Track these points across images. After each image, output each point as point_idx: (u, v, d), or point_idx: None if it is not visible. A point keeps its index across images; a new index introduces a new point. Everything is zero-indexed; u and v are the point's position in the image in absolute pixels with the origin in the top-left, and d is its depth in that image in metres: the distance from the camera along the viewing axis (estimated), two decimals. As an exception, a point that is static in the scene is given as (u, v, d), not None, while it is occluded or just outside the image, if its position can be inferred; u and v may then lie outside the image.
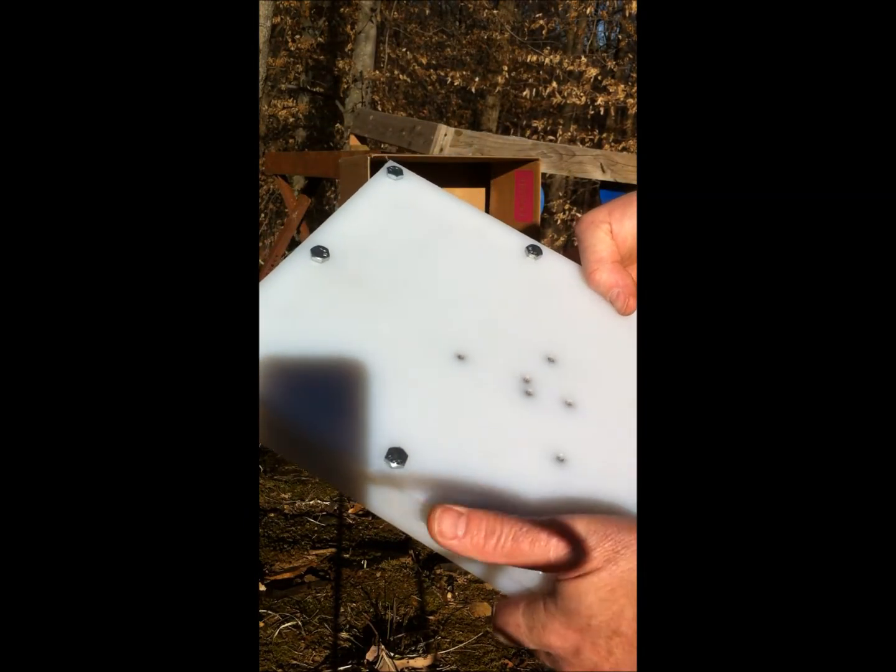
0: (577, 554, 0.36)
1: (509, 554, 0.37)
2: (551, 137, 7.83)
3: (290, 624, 1.76)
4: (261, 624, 1.75)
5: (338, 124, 8.15)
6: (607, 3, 9.23)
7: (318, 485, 2.55)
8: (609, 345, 0.50)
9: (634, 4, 7.61)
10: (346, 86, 7.73)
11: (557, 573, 0.38)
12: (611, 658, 0.37)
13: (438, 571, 2.03)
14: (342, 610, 1.84)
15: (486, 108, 9.21)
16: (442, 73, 8.28)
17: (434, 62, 8.91)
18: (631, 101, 7.37)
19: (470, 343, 0.46)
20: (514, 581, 0.41)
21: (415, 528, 0.41)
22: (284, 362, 0.42)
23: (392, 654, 1.67)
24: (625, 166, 3.00)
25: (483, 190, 2.73)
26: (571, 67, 7.57)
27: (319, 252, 0.47)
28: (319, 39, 8.69)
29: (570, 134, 7.93)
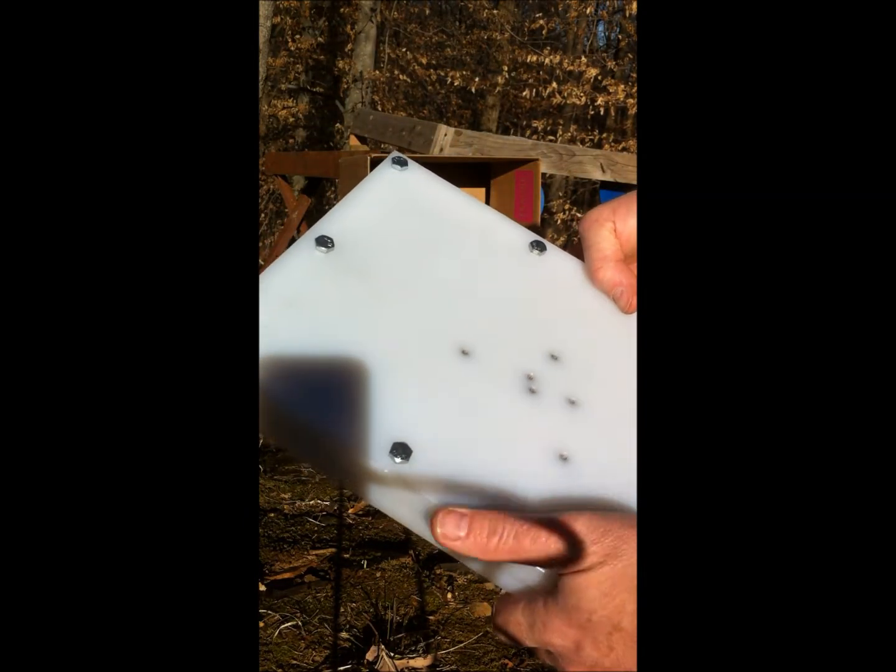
0: (578, 549, 0.37)
1: (511, 552, 0.38)
2: (551, 137, 7.83)
3: (290, 624, 1.76)
4: (261, 624, 1.75)
5: (338, 124, 8.15)
6: (607, 3, 9.23)
7: (318, 485, 2.55)
8: (612, 343, 0.50)
9: (634, 4, 7.61)
10: (346, 86, 7.74)
11: (559, 569, 0.38)
12: (612, 654, 0.37)
13: (438, 571, 2.03)
14: (342, 610, 1.84)
15: (486, 108, 9.21)
16: (442, 73, 8.29)
17: (434, 62, 8.91)
18: (631, 101, 7.37)
19: (474, 338, 0.46)
20: (515, 579, 0.41)
21: (417, 524, 0.41)
22: (287, 353, 0.42)
23: (392, 654, 1.67)
24: (625, 166, 3.00)
25: (483, 190, 2.73)
26: (571, 67, 7.57)
27: (324, 242, 0.47)
28: (319, 39, 8.69)
29: (570, 134, 7.93)
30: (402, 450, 0.40)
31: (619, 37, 9.73)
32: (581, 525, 0.37)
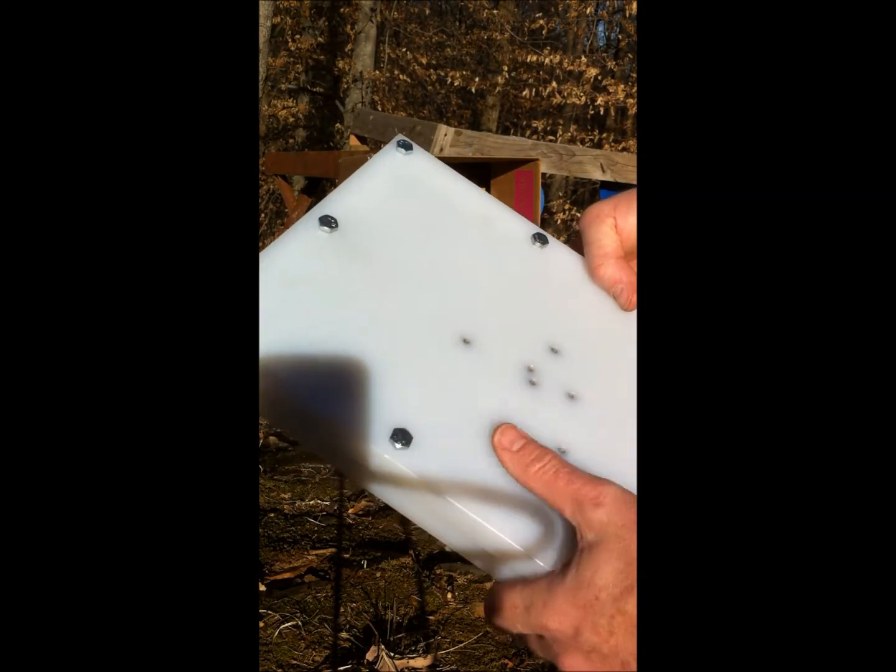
0: (602, 513, 0.38)
1: (546, 483, 0.40)
2: (551, 137, 7.84)
3: (290, 624, 1.76)
4: (261, 624, 1.75)
5: (338, 124, 8.15)
6: (607, 3, 9.24)
7: (318, 485, 2.55)
8: (612, 339, 0.50)
9: (634, 4, 7.61)
10: (346, 86, 7.74)
11: (579, 523, 0.38)
12: (611, 640, 0.37)
13: (438, 571, 2.03)
14: (342, 610, 1.84)
15: (486, 108, 9.22)
16: (442, 73, 8.29)
17: (434, 62, 8.92)
18: (631, 101, 7.37)
19: (476, 327, 0.46)
20: (514, 572, 0.41)
21: (416, 513, 0.41)
22: (288, 334, 0.41)
23: (392, 654, 1.67)
24: (625, 166, 3.01)
25: (483, 190, 2.72)
26: (571, 67, 7.57)
27: (328, 222, 0.46)
28: (319, 39, 8.69)
29: (570, 134, 7.93)
30: (402, 436, 0.40)
31: (619, 37, 9.73)
32: (613, 491, 0.39)
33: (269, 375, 0.40)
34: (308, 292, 0.43)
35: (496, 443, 0.41)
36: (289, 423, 0.44)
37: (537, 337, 0.47)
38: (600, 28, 10.58)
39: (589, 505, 0.38)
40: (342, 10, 8.59)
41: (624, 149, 7.63)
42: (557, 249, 0.52)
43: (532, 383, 0.45)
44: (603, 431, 0.45)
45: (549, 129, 8.21)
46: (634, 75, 7.93)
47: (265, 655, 1.65)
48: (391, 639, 1.73)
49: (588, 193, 8.90)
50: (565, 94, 7.63)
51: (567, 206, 7.88)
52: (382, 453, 0.40)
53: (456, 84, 7.90)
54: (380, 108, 7.67)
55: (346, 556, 2.09)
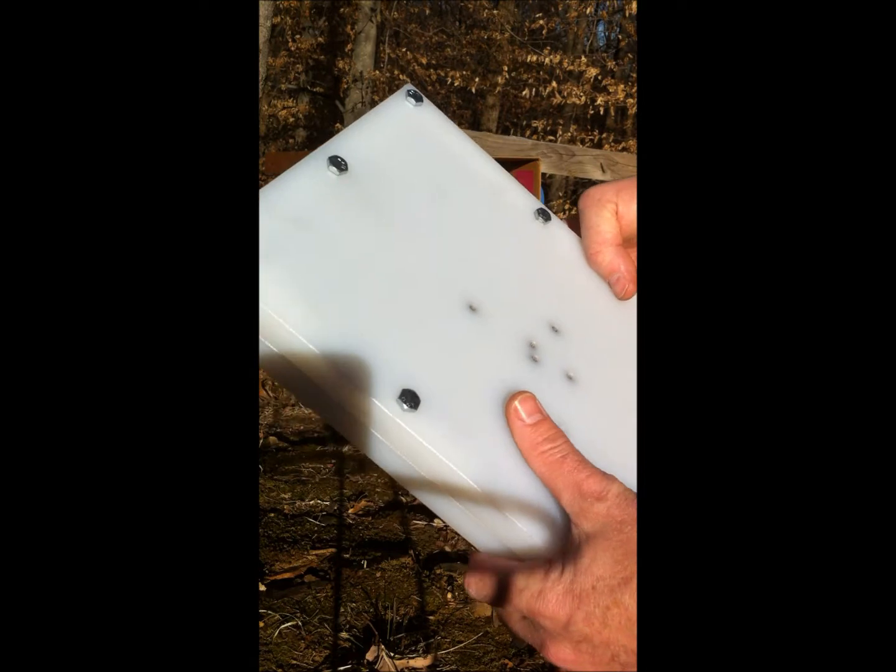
0: (603, 506, 0.38)
1: (551, 465, 0.40)
2: (551, 137, 7.84)
3: (290, 624, 1.76)
4: (261, 624, 1.75)
5: (338, 124, 8.16)
6: (607, 3, 9.23)
7: (318, 485, 2.55)
8: (610, 324, 0.50)
9: (634, 4, 7.60)
10: (346, 86, 7.74)
11: (576, 523, 0.39)
12: (604, 631, 0.36)
13: (438, 571, 2.03)
14: (342, 610, 1.84)
15: (486, 108, 9.22)
16: (442, 73, 8.29)
17: (434, 62, 8.92)
18: (631, 101, 7.37)
19: (481, 295, 0.45)
20: (496, 536, 0.41)
21: (417, 480, 0.41)
22: (291, 279, 0.39)
23: (392, 654, 1.67)
24: (625, 166, 3.01)
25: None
26: (571, 67, 7.56)
27: (337, 163, 0.44)
28: (319, 39, 8.69)
29: (570, 134, 7.93)
30: (410, 397, 0.39)
31: (619, 37, 9.73)
32: (617, 487, 0.39)
33: (273, 325, 0.38)
34: (313, 235, 0.41)
35: (512, 410, 0.41)
36: (286, 378, 0.42)
37: (539, 313, 0.47)
38: (600, 28, 10.59)
39: (591, 498, 0.38)
40: (342, 10, 8.59)
41: (624, 149, 7.63)
42: (559, 228, 0.52)
43: (534, 359, 0.45)
44: (600, 417, 0.45)
45: (549, 129, 8.21)
46: (634, 75, 7.93)
47: (265, 655, 1.65)
48: (391, 639, 1.73)
49: (588, 193, 8.87)
50: (565, 94, 7.63)
51: (567, 206, 7.88)
52: (392, 415, 0.39)
53: (456, 84, 7.90)
54: (380, 108, 7.65)
55: (346, 556, 2.09)
